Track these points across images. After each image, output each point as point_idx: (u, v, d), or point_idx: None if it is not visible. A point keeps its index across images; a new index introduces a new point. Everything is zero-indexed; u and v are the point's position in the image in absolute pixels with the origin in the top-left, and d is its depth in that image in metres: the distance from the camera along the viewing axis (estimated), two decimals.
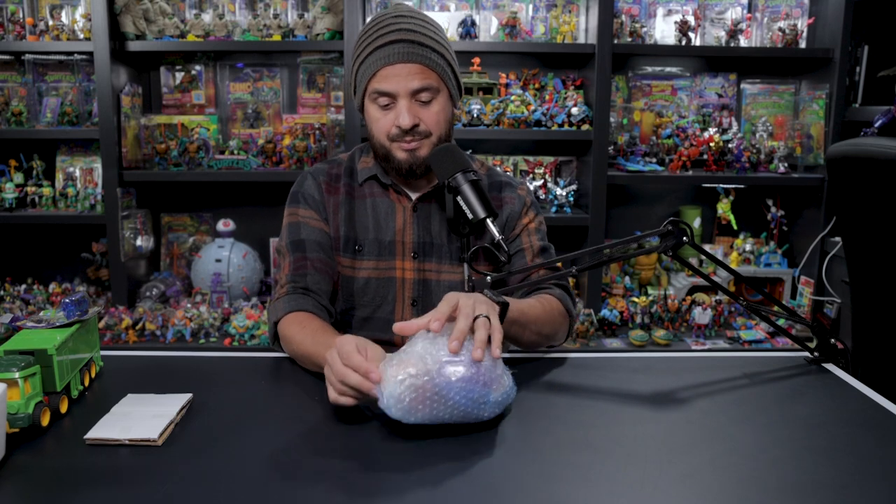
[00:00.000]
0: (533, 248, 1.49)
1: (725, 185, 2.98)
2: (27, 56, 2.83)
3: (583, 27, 2.85)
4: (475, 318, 1.02)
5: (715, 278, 1.97)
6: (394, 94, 1.34)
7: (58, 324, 1.11)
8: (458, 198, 1.29)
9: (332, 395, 1.03)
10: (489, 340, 1.02)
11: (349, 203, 1.47)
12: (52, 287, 2.87)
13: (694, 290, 2.93)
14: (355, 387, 0.99)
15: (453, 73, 1.41)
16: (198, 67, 2.97)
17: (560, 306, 1.39)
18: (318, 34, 2.76)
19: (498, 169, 1.59)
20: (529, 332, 1.28)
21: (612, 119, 2.80)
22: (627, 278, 3.01)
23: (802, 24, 2.89)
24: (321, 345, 1.19)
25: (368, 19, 1.42)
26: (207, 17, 2.83)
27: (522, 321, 1.25)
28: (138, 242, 2.86)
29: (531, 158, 2.98)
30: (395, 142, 1.38)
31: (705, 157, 2.86)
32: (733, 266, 2.91)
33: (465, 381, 0.98)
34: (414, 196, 1.47)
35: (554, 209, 2.85)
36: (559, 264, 1.43)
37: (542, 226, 1.53)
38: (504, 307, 1.14)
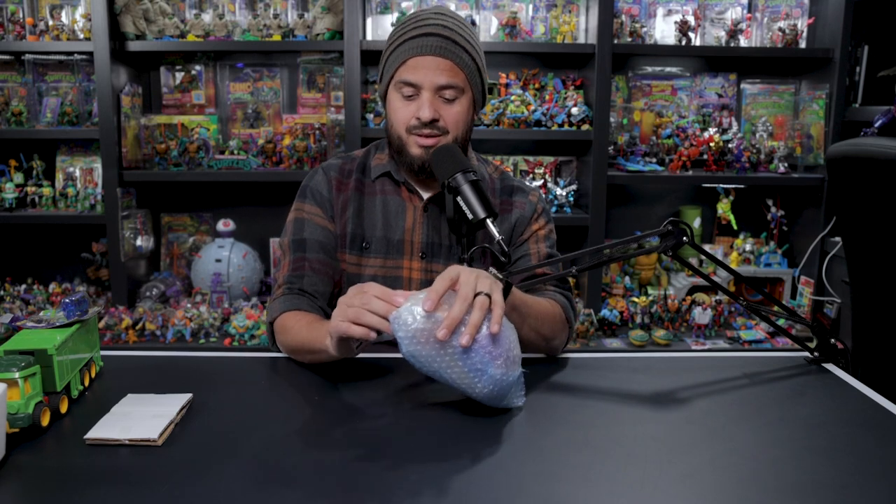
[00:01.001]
0: (539, 255, 1.48)
1: (725, 185, 2.98)
2: (27, 56, 2.83)
3: (583, 27, 2.85)
4: (475, 296, 1.01)
5: (715, 278, 1.97)
6: (419, 85, 1.34)
7: (58, 324, 1.10)
8: (458, 198, 1.28)
9: (344, 325, 1.04)
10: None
11: (359, 199, 1.46)
12: (52, 287, 2.87)
13: (694, 290, 2.93)
14: (379, 312, 1.01)
15: (481, 79, 1.41)
16: (198, 67, 2.97)
17: (561, 313, 1.37)
18: (318, 34, 2.76)
19: (511, 173, 1.58)
20: (528, 326, 1.26)
21: (612, 119, 2.80)
22: (627, 278, 3.01)
23: (802, 24, 2.89)
24: (317, 330, 1.19)
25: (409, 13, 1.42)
26: (207, 17, 2.83)
27: (523, 310, 1.23)
28: (138, 242, 2.86)
29: (531, 158, 2.97)
30: (412, 134, 1.37)
31: (705, 157, 2.86)
32: (733, 266, 2.91)
33: (474, 341, 0.99)
34: (426, 195, 1.46)
35: (554, 209, 2.85)
36: (560, 266, 1.43)
37: (552, 234, 1.52)
38: (507, 287, 1.13)
